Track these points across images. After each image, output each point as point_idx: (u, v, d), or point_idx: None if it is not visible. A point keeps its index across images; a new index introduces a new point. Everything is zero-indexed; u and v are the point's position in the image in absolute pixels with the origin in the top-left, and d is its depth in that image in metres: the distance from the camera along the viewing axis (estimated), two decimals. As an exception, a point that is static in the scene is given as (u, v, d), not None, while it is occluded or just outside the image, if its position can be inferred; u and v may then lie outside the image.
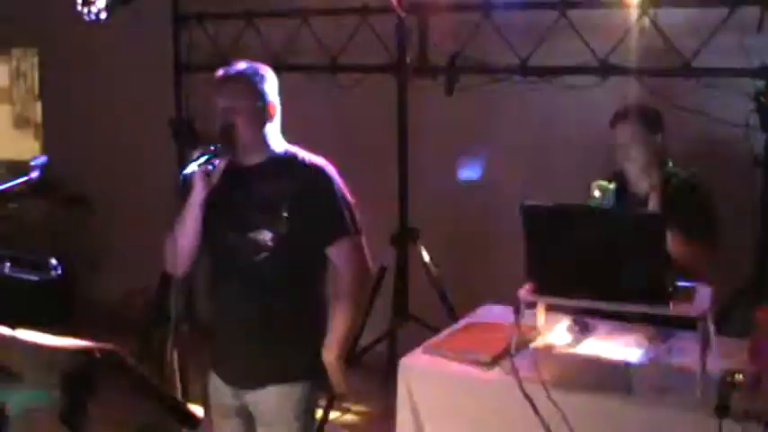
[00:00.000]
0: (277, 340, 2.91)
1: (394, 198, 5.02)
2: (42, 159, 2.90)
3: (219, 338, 3.01)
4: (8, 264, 2.34)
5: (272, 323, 2.89)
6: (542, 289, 2.92)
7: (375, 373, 4.75)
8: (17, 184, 2.82)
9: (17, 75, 7.50)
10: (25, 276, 2.34)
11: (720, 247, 3.47)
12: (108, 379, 1.81)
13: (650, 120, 3.59)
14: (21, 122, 7.53)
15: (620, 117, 3.60)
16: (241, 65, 2.90)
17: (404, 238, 4.94)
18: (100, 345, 1.78)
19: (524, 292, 2.91)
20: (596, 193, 3.37)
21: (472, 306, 3.70)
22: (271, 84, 2.90)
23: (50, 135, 7.23)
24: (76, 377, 1.78)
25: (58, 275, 2.39)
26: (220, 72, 2.89)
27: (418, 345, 3.21)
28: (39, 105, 7.37)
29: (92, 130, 6.70)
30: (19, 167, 6.68)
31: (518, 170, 5.02)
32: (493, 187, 5.13)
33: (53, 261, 2.42)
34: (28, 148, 7.29)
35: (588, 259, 2.81)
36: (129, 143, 6.47)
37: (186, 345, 3.16)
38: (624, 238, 2.79)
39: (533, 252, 2.89)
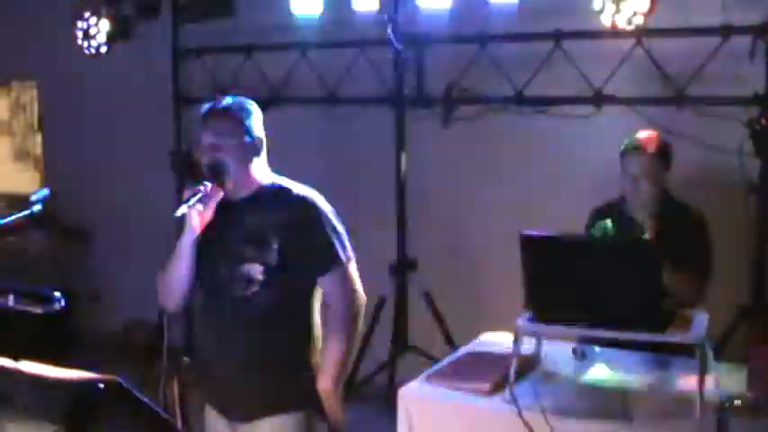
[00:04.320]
0: (270, 371, 2.89)
1: (392, 228, 5.05)
2: (44, 193, 2.90)
3: (213, 371, 2.96)
4: (12, 296, 2.35)
5: (265, 354, 2.88)
6: (540, 317, 2.93)
7: (375, 403, 4.74)
8: (19, 218, 2.81)
9: (17, 107, 7.51)
10: (30, 309, 2.35)
11: (713, 276, 3.47)
12: (112, 409, 1.82)
13: (665, 154, 3.56)
14: (20, 155, 7.54)
15: (634, 148, 3.53)
16: (227, 100, 2.88)
17: (402, 268, 4.96)
18: (104, 376, 1.79)
19: (522, 320, 2.93)
20: (596, 230, 3.38)
21: (471, 335, 3.70)
22: (257, 118, 2.89)
23: (50, 167, 7.24)
24: (80, 408, 1.79)
25: (63, 308, 2.40)
26: (205, 107, 2.88)
27: (418, 374, 3.21)
28: (38, 138, 7.38)
29: (92, 162, 6.72)
30: (19, 200, 6.77)
31: (514, 199, 5.02)
32: (490, 216, 5.13)
33: (57, 294, 2.43)
34: (28, 181, 7.31)
35: (585, 288, 2.83)
36: (129, 175, 6.49)
37: (186, 375, 3.12)
38: (620, 267, 2.81)
39: (531, 281, 2.91)
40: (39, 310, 2.34)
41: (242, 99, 2.93)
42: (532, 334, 3.09)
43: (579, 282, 2.83)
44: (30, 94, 7.41)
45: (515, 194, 5.05)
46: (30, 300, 2.36)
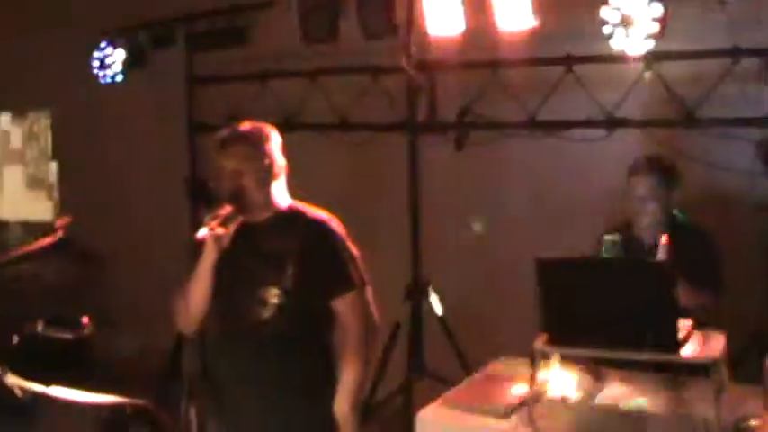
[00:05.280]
0: (287, 396, 2.90)
1: (406, 252, 5.04)
2: (67, 219, 2.93)
3: (228, 396, 2.96)
4: (41, 322, 2.38)
5: (281, 379, 2.89)
6: (557, 340, 2.94)
7: (391, 428, 4.73)
8: (45, 246, 2.85)
9: (30, 136, 7.58)
10: (59, 335, 2.38)
11: (725, 295, 3.49)
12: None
13: (670, 175, 3.59)
14: (33, 183, 7.60)
15: (638, 170, 3.58)
16: (245, 126, 2.93)
17: (417, 292, 4.94)
18: (131, 400, 1.82)
19: (539, 343, 2.93)
20: (605, 248, 3.40)
21: (486, 358, 3.70)
22: (275, 142, 2.93)
23: (64, 194, 7.28)
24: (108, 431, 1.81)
25: (91, 333, 2.43)
26: (224, 133, 2.92)
27: (435, 398, 3.21)
28: (52, 166, 7.43)
29: (105, 189, 6.75)
30: (34, 228, 6.84)
31: (528, 223, 5.03)
32: (504, 240, 5.13)
33: (84, 319, 2.46)
34: (41, 209, 7.36)
35: (601, 309, 2.84)
36: (143, 202, 6.52)
37: (203, 400, 3.14)
38: (635, 288, 2.82)
39: (547, 304, 2.92)
40: (68, 335, 2.37)
41: (260, 124, 2.97)
42: (549, 356, 3.10)
43: (595, 303, 2.85)
44: (44, 123, 7.47)
45: (528, 218, 5.06)
46: (59, 326, 2.39)
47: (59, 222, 2.90)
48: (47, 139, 7.49)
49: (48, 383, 1.89)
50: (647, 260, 3.30)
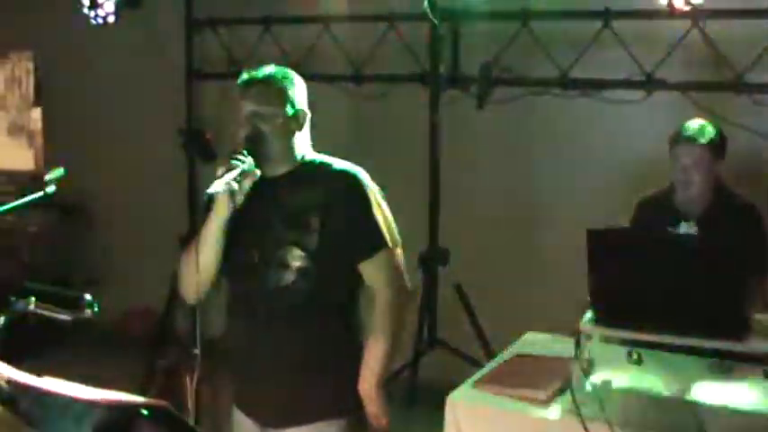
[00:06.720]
0: (309, 372, 2.68)
1: (423, 217, 4.84)
2: (60, 172, 2.67)
3: (243, 371, 2.78)
4: (33, 299, 2.03)
5: (302, 353, 2.67)
6: (606, 320, 2.76)
7: (395, 401, 4.51)
8: (33, 200, 2.56)
9: (12, 80, 7.25)
10: (56, 316, 2.03)
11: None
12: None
13: (718, 146, 3.44)
14: (14, 130, 7.26)
15: (685, 138, 3.43)
16: (269, 67, 2.71)
17: (433, 260, 4.74)
18: (147, 401, 1.50)
19: (585, 322, 2.75)
20: None
21: (506, 333, 3.57)
22: (300, 89, 2.72)
23: (49, 142, 6.98)
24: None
25: (95, 313, 2.09)
26: (246, 75, 2.70)
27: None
28: (34, 112, 7.12)
29: (94, 138, 6.49)
30: (14, 177, 6.60)
31: (555, 189, 4.87)
32: (528, 206, 4.98)
33: (88, 297, 2.11)
34: (23, 158, 7.07)
35: (658, 289, 2.67)
36: (135, 153, 6.26)
37: (200, 370, 2.88)
38: (699, 268, 2.65)
39: (597, 280, 2.75)
40: (66, 317, 2.03)
41: (286, 68, 2.74)
42: (596, 337, 2.85)
43: (651, 282, 2.68)
44: (26, 67, 7.14)
45: (556, 183, 4.89)
46: (54, 304, 2.04)
47: (51, 175, 2.59)
48: (29, 84, 7.15)
49: (40, 374, 1.54)
50: (714, 238, 3.16)
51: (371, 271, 2.68)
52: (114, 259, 6.50)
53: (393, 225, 2.73)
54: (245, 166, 2.55)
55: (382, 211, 2.70)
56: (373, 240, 2.66)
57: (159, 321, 5.46)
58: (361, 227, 2.66)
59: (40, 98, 7.06)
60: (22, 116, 7.20)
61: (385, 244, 2.67)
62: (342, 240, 2.63)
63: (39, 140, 7.07)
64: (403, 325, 2.76)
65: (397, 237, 2.73)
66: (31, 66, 7.10)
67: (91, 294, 2.22)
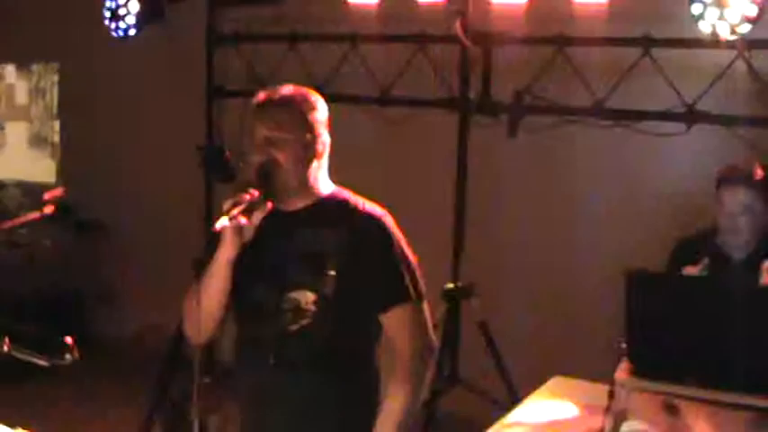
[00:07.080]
0: (318, 422, 2.54)
1: (447, 249, 4.69)
2: (58, 193, 2.51)
3: (248, 418, 2.66)
4: (7, 341, 1.86)
5: (312, 404, 2.54)
6: (644, 372, 2.65)
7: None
8: (30, 221, 2.42)
9: (36, 92, 7.31)
10: (34, 360, 1.86)
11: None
12: None
13: (766, 188, 3.26)
14: (37, 141, 7.34)
15: (730, 181, 3.27)
16: (287, 89, 2.55)
17: (457, 295, 4.57)
18: None
19: (622, 373, 2.66)
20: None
21: (531, 375, 3.40)
22: (321, 113, 2.55)
23: (67, 156, 7.01)
24: None
25: (76, 359, 1.92)
26: (262, 95, 2.54)
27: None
28: (56, 124, 7.17)
29: (113, 152, 6.46)
30: (34, 190, 6.56)
31: (588, 223, 4.71)
32: (559, 241, 4.82)
33: (68, 340, 1.94)
34: (44, 170, 7.10)
35: (700, 338, 2.57)
36: (153, 170, 6.23)
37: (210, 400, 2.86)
38: (746, 318, 2.51)
39: (635, 326, 2.64)
40: (44, 363, 1.86)
41: (306, 90, 2.57)
42: (633, 389, 2.72)
43: (693, 331, 2.58)
44: (51, 79, 7.19)
45: (589, 218, 4.73)
46: (31, 345, 1.87)
47: (50, 194, 2.46)
48: (53, 96, 7.19)
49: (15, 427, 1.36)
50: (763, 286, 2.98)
51: (394, 324, 2.54)
52: (129, 276, 6.43)
53: (418, 276, 2.57)
54: (255, 200, 2.39)
55: (407, 260, 2.55)
56: (398, 292, 2.52)
57: (170, 344, 5.33)
58: (386, 276, 2.52)
59: (61, 110, 7.10)
60: (44, 128, 7.27)
61: (409, 296, 2.52)
62: (362, 289, 2.49)
63: (59, 153, 7.12)
64: (425, 383, 2.60)
65: (423, 288, 2.57)
66: (55, 77, 7.16)
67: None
